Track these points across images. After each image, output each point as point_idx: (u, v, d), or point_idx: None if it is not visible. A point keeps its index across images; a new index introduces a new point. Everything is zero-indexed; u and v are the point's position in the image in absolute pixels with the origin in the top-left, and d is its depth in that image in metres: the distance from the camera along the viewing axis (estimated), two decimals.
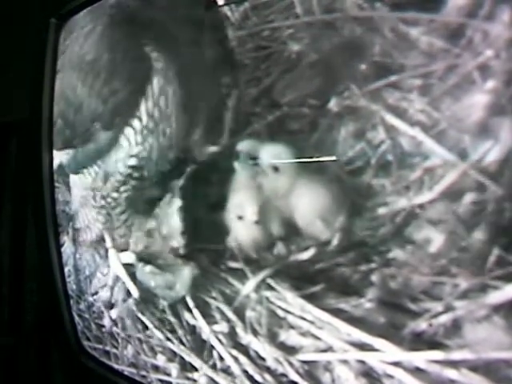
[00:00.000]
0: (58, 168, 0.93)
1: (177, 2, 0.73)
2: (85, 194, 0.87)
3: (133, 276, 0.86)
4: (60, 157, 0.91)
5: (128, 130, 0.73)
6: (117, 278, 0.88)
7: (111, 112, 0.72)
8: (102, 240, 0.90)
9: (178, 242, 0.80)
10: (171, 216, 0.78)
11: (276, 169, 0.70)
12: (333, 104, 0.68)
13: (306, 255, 0.69)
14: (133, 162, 0.75)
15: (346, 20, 0.67)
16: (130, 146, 0.74)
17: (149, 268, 0.83)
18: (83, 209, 0.91)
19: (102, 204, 0.83)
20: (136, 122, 0.72)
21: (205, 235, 0.79)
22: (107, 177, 0.79)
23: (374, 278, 0.61)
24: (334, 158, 0.67)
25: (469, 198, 0.55)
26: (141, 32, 0.71)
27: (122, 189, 0.79)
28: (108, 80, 0.71)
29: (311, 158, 0.69)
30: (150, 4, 0.73)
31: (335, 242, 0.66)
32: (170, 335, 0.80)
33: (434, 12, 0.59)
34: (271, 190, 0.72)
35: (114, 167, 0.78)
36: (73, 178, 0.91)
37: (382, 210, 0.62)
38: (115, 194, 0.80)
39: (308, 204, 0.69)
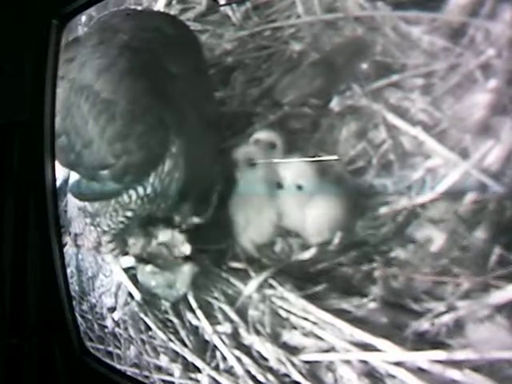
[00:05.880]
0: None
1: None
2: (79, 208, 0.88)
3: (134, 278, 0.86)
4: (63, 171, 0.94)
5: (132, 192, 0.76)
6: (119, 284, 0.88)
7: (122, 170, 0.74)
8: (100, 245, 0.90)
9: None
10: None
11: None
12: (334, 104, 0.67)
13: (307, 255, 0.69)
14: (129, 214, 0.80)
15: (347, 20, 0.67)
16: (130, 203, 0.77)
17: (149, 268, 0.83)
18: (78, 218, 0.92)
19: (93, 229, 0.86)
20: (140, 189, 0.76)
21: (206, 236, 0.79)
22: (102, 213, 0.81)
23: (376, 277, 0.61)
24: (335, 157, 0.67)
25: (470, 197, 0.55)
26: (163, 106, 0.72)
27: (113, 226, 0.82)
28: (123, 134, 0.72)
29: (313, 157, 0.69)
30: (168, 74, 0.73)
31: (337, 241, 0.66)
32: (172, 336, 0.80)
33: (435, 11, 0.59)
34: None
35: (111, 210, 0.80)
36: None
37: (383, 210, 0.62)
38: (106, 228, 0.83)
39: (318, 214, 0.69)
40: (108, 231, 0.83)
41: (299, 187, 0.70)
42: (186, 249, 0.80)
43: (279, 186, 0.72)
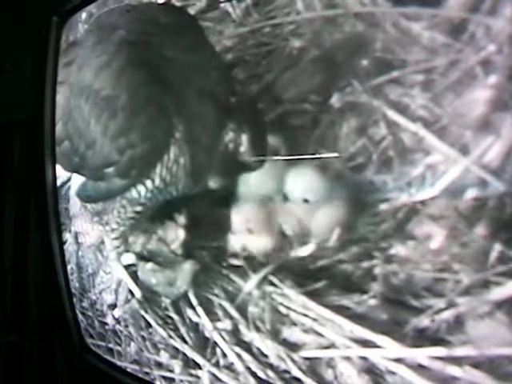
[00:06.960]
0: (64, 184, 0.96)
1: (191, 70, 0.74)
2: (83, 207, 0.88)
3: (135, 275, 0.86)
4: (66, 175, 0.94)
5: (140, 187, 0.76)
6: (119, 281, 0.89)
7: (127, 164, 0.73)
8: (102, 242, 0.90)
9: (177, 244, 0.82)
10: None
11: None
12: (335, 100, 0.67)
13: (307, 252, 0.69)
14: (139, 208, 0.79)
15: (347, 16, 0.67)
16: (139, 197, 0.77)
17: (150, 265, 0.83)
18: (81, 217, 0.92)
19: (100, 228, 0.86)
20: (149, 182, 0.75)
21: (206, 233, 0.79)
22: (110, 210, 0.81)
23: (376, 274, 0.61)
24: (335, 154, 0.67)
25: (470, 193, 0.55)
26: (163, 93, 0.71)
27: (122, 222, 0.82)
28: (126, 128, 0.71)
29: (313, 154, 0.69)
30: (165, 60, 0.72)
31: (337, 238, 0.66)
32: (172, 333, 0.80)
33: (435, 7, 0.58)
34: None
35: (119, 207, 0.80)
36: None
37: (383, 206, 0.62)
38: (115, 226, 0.83)
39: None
40: (117, 228, 0.83)
41: (305, 200, 0.70)
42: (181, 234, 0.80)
43: (284, 195, 0.72)
